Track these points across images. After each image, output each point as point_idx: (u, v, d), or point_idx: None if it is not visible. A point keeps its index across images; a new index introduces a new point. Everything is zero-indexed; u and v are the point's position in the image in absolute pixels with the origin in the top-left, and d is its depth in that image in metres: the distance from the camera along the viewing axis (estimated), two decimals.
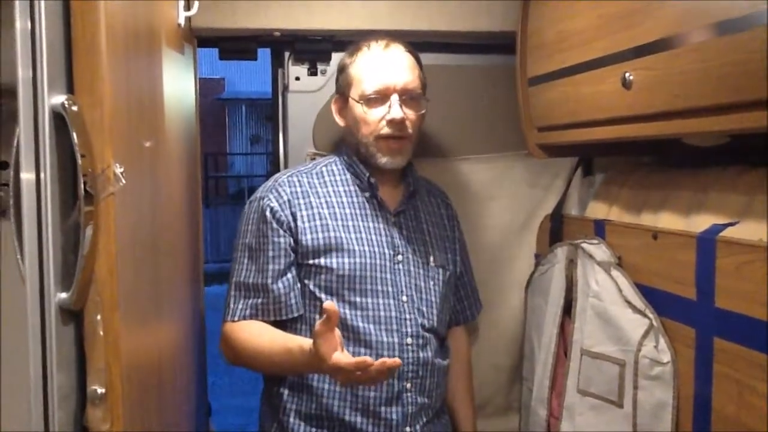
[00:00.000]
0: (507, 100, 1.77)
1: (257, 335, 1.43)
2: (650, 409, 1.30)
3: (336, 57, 1.86)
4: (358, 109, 1.48)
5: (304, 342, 1.31)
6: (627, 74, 1.22)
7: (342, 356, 1.19)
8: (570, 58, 1.44)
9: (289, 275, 1.45)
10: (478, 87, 1.92)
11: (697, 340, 1.22)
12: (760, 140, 1.12)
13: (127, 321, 0.89)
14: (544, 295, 1.68)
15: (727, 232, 1.16)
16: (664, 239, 1.31)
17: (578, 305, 1.51)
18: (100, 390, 0.83)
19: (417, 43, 1.83)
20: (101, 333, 0.83)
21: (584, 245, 1.51)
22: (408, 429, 1.46)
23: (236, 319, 1.46)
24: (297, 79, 1.86)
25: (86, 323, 0.83)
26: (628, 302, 1.36)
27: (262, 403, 1.57)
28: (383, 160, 1.49)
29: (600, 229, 1.54)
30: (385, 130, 1.47)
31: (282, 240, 1.44)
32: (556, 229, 1.78)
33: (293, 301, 1.45)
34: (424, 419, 1.50)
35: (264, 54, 1.94)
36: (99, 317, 0.83)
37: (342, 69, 1.54)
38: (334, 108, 1.57)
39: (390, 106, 1.46)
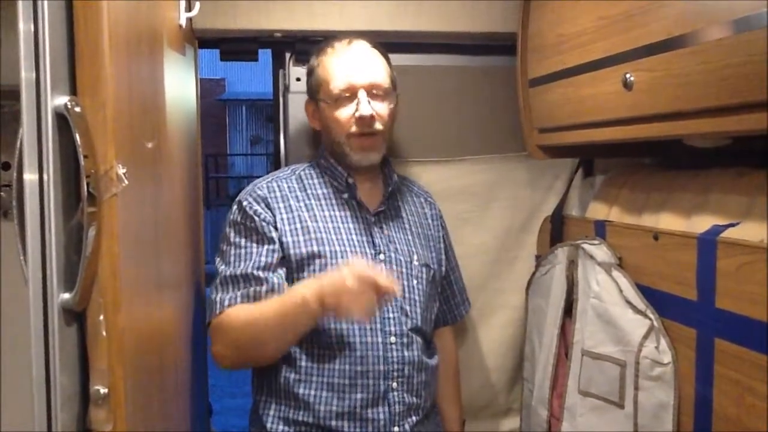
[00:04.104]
0: (507, 102, 1.78)
1: (248, 306, 1.38)
2: (651, 409, 1.30)
3: None
4: (329, 110, 1.48)
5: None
6: (628, 75, 1.22)
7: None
8: (571, 59, 1.44)
9: (280, 271, 1.43)
10: (479, 88, 1.92)
11: (698, 341, 1.22)
12: (761, 142, 1.12)
13: (129, 321, 0.89)
14: (545, 296, 1.68)
15: (728, 233, 1.16)
16: (665, 240, 1.31)
17: (579, 306, 1.51)
18: (103, 390, 0.83)
19: (417, 44, 1.83)
20: (104, 333, 0.83)
21: (585, 246, 1.51)
22: (396, 429, 1.45)
23: (224, 309, 1.39)
24: (298, 79, 1.86)
25: (89, 324, 0.83)
26: (629, 303, 1.36)
27: (251, 410, 1.56)
28: (356, 157, 1.48)
29: (601, 229, 1.54)
30: (355, 128, 1.46)
31: (273, 236, 1.44)
32: (557, 229, 1.78)
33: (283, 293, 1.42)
34: (414, 419, 1.48)
35: (265, 55, 1.94)
36: (102, 318, 0.83)
37: (310, 72, 1.54)
38: (307, 112, 1.58)
39: (358, 104, 1.45)
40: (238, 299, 1.39)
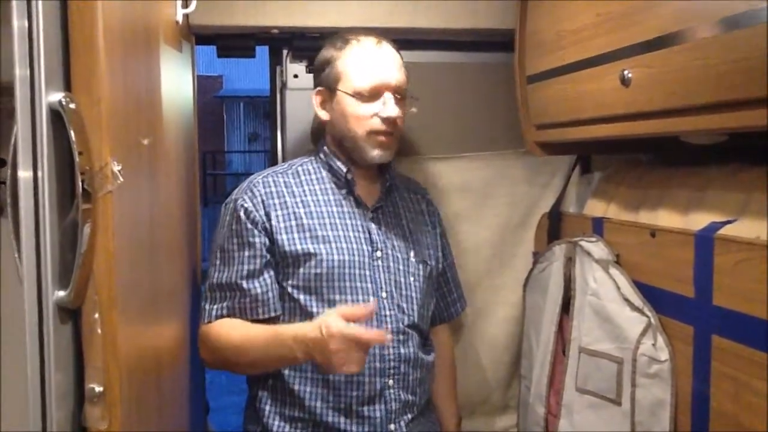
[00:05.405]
0: (505, 98, 1.77)
1: (235, 328, 1.43)
2: (648, 406, 1.30)
3: None
4: (349, 103, 1.47)
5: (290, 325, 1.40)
6: (626, 72, 1.22)
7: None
8: (569, 55, 1.43)
9: (266, 275, 1.44)
10: (477, 84, 1.92)
11: (695, 338, 1.22)
12: (758, 138, 1.12)
13: (125, 319, 0.89)
14: (543, 293, 1.68)
15: (725, 230, 1.16)
16: (663, 237, 1.31)
17: (576, 303, 1.51)
18: (98, 388, 0.83)
19: (415, 41, 1.83)
20: (99, 331, 0.83)
21: (582, 243, 1.51)
22: (392, 426, 1.46)
23: (212, 319, 1.45)
24: (295, 76, 1.86)
25: (84, 321, 0.83)
26: (627, 300, 1.36)
27: (246, 406, 1.56)
28: (373, 153, 1.48)
29: (598, 226, 1.54)
30: (378, 126, 1.46)
31: (257, 240, 1.43)
32: (555, 226, 1.78)
33: (271, 300, 1.44)
34: (409, 416, 1.49)
35: (262, 51, 1.94)
36: (97, 315, 0.83)
37: (328, 62, 1.50)
38: (316, 101, 1.54)
39: (384, 104, 1.45)
40: (224, 311, 1.45)
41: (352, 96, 1.46)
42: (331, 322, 1.26)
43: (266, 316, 1.44)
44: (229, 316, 1.45)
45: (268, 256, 1.44)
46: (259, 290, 1.43)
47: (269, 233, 1.44)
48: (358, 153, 1.49)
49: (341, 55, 1.49)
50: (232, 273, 1.44)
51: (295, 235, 1.44)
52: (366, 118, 1.46)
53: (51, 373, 0.77)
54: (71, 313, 0.82)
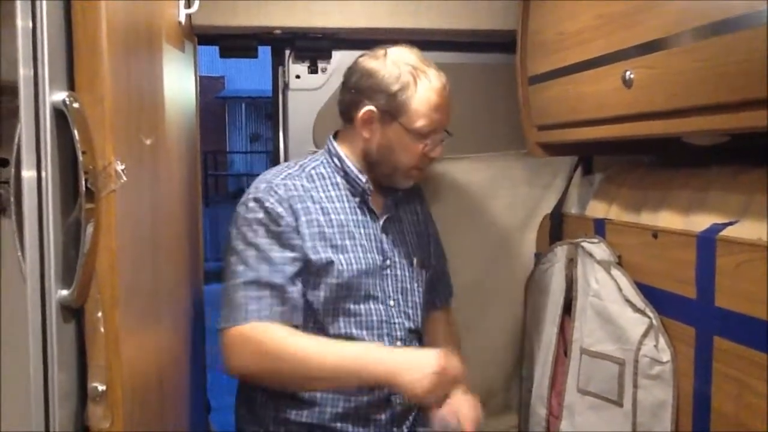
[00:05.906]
0: (507, 99, 1.78)
1: (292, 336, 1.35)
2: (650, 407, 1.30)
3: (336, 55, 1.86)
4: (404, 138, 1.45)
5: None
6: (627, 73, 1.22)
7: None
8: (570, 56, 1.44)
9: (299, 282, 1.40)
10: (478, 85, 1.92)
11: (697, 339, 1.22)
12: (759, 139, 1.12)
13: (127, 318, 0.89)
14: (544, 294, 1.68)
15: (727, 232, 1.16)
16: (664, 238, 1.31)
17: (578, 304, 1.51)
18: (101, 387, 0.83)
19: (416, 41, 1.83)
20: (102, 330, 0.83)
21: (584, 244, 1.51)
22: (395, 429, 1.46)
23: (260, 318, 1.33)
24: (297, 77, 1.86)
25: (87, 320, 0.83)
26: (628, 301, 1.36)
27: (239, 407, 1.53)
28: (406, 183, 1.54)
29: (600, 228, 1.54)
30: (421, 163, 1.50)
31: (297, 243, 1.39)
32: (556, 228, 1.78)
33: (302, 307, 1.40)
34: (410, 419, 1.50)
35: (264, 52, 1.94)
36: (100, 314, 0.83)
37: (396, 93, 1.43)
38: (363, 117, 1.46)
39: (434, 144, 1.48)
40: (267, 312, 1.34)
41: (410, 132, 1.45)
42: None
43: (297, 323, 1.39)
44: (271, 318, 1.34)
45: (302, 264, 1.40)
46: (296, 295, 1.38)
47: (299, 238, 1.40)
48: (390, 178, 1.51)
49: (413, 90, 1.44)
50: (274, 273, 1.36)
51: (318, 243, 1.41)
52: (415, 155, 1.47)
53: (54, 371, 0.77)
54: (74, 312, 0.82)
